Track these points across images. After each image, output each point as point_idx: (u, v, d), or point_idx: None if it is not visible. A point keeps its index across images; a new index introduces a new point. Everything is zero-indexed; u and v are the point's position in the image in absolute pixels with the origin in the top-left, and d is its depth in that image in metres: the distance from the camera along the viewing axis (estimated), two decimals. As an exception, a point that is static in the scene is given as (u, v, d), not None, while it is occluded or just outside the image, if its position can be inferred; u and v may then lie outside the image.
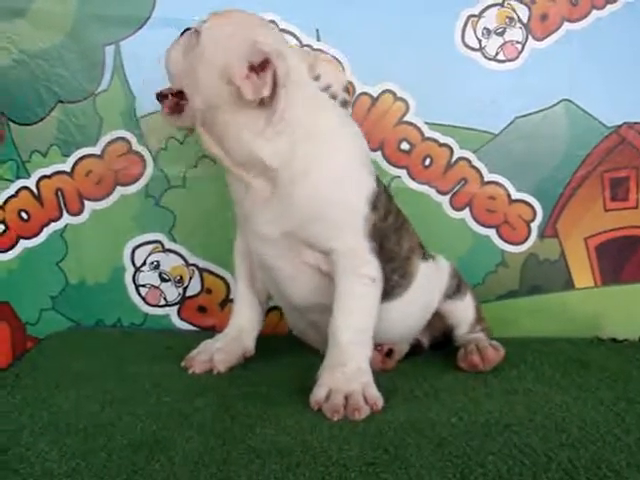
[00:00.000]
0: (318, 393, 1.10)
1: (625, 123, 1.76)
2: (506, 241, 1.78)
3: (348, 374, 1.12)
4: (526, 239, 1.78)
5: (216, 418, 1.05)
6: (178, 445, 0.94)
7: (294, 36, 1.71)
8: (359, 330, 1.18)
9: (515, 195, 1.77)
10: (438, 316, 1.49)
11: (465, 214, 1.78)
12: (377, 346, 1.30)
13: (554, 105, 1.76)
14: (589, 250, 1.80)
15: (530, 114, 1.76)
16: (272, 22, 1.68)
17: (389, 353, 1.39)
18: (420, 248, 1.42)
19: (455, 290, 1.48)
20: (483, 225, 1.78)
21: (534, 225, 1.78)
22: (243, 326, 1.40)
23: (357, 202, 1.22)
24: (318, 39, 1.72)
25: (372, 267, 1.22)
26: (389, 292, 1.29)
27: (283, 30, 1.69)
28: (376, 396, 1.10)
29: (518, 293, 1.80)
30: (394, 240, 1.31)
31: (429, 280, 1.42)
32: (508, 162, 1.77)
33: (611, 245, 1.79)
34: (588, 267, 1.80)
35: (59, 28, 1.67)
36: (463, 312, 1.49)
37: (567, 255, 1.80)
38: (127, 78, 1.70)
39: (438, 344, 1.55)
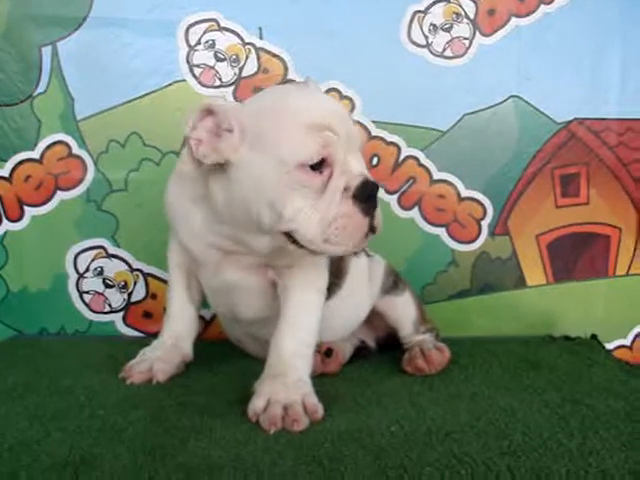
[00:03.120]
0: (256, 403, 1.07)
1: (575, 119, 1.75)
2: (456, 240, 1.77)
3: (288, 384, 1.09)
4: (477, 237, 1.77)
5: (148, 432, 1.01)
6: (105, 463, 0.90)
7: (237, 35, 1.68)
8: (303, 343, 1.17)
9: (465, 193, 1.76)
10: (379, 314, 1.48)
11: (414, 213, 1.76)
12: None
13: (503, 101, 1.74)
14: (541, 247, 1.79)
15: (479, 111, 1.74)
16: (214, 20, 1.66)
17: (328, 352, 1.36)
18: None
19: (392, 286, 1.48)
20: (433, 224, 1.76)
21: (484, 223, 1.77)
22: (180, 332, 1.37)
23: None
24: (261, 37, 1.68)
25: (324, 282, 1.25)
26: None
27: (226, 29, 1.66)
28: (316, 405, 1.08)
29: (470, 292, 1.79)
30: None
31: (362, 273, 1.43)
32: (457, 160, 1.75)
33: (563, 242, 1.79)
34: (540, 265, 1.79)
35: (-8, 29, 1.63)
36: (402, 309, 1.48)
37: (519, 253, 1.79)
38: (65, 79, 1.66)
39: (387, 345, 1.53)
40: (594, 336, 1.69)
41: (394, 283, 1.48)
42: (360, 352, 1.49)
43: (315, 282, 1.23)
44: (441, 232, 1.76)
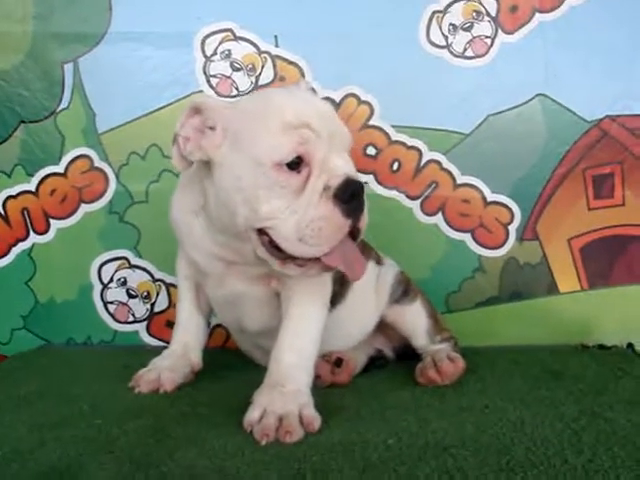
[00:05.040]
0: (252, 414, 1.05)
1: (607, 116, 1.67)
2: (483, 245, 1.71)
3: (286, 395, 1.07)
4: (504, 243, 1.71)
5: (140, 442, 1.01)
6: (90, 472, 0.91)
7: (253, 44, 1.68)
8: (303, 355, 1.15)
9: (490, 197, 1.70)
10: (390, 324, 1.44)
11: (438, 219, 1.71)
12: (324, 356, 1.27)
13: (529, 100, 1.68)
14: (573, 252, 1.71)
15: (503, 111, 1.69)
16: (230, 30, 1.66)
17: (338, 362, 1.34)
18: None
19: (401, 295, 1.44)
20: (457, 230, 1.71)
21: (512, 228, 1.71)
22: (188, 343, 1.38)
23: None
24: (277, 45, 1.68)
25: (328, 293, 1.23)
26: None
27: (241, 38, 1.67)
28: (312, 417, 1.05)
29: (498, 300, 1.73)
30: None
31: (368, 283, 1.39)
32: (482, 163, 1.69)
33: (597, 246, 1.71)
34: (573, 270, 1.71)
35: (18, 48, 1.68)
36: (413, 318, 1.44)
37: (549, 258, 1.71)
38: (87, 95, 1.70)
39: (405, 355, 1.48)
40: (630, 345, 1.60)
41: (404, 292, 1.45)
42: (376, 362, 1.46)
43: (318, 293, 1.21)
44: (466, 238, 1.71)
